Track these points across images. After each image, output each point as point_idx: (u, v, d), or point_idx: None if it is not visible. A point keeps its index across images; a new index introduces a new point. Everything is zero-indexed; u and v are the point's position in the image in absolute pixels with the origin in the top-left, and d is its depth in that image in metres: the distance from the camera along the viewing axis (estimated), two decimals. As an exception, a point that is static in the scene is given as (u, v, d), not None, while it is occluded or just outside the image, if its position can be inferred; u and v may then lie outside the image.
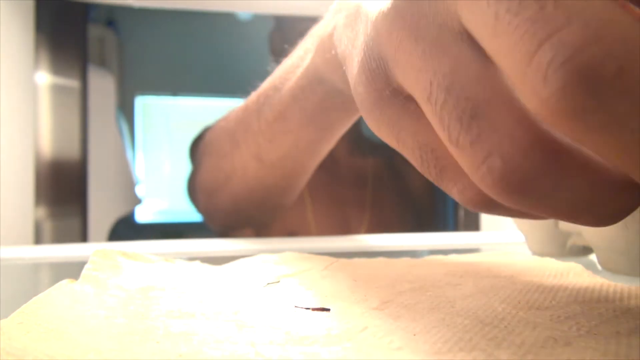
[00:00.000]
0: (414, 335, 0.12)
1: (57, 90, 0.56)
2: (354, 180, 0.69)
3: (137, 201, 0.98)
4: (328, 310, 0.14)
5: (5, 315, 0.13)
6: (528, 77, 0.10)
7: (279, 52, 0.78)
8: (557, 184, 0.11)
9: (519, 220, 0.29)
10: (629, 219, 0.20)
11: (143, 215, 1.96)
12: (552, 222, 0.26)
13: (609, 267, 0.22)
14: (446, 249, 0.33)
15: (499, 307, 0.14)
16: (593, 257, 0.26)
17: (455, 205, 0.76)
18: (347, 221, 0.65)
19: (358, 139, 0.73)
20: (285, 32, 0.70)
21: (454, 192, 0.14)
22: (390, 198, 0.70)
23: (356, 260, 0.23)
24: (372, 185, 0.69)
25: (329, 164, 0.67)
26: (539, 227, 0.27)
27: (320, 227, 0.62)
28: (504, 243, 0.36)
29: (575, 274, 0.19)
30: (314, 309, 0.15)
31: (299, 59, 0.35)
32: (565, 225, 0.26)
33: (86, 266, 0.18)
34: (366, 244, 0.36)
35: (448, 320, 0.13)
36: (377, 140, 0.88)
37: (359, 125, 0.73)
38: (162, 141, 2.10)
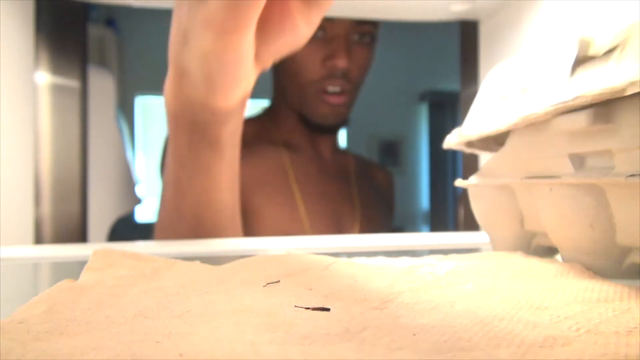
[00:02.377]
0: (414, 335, 0.12)
1: (56, 90, 0.56)
2: (339, 176, 0.70)
3: (137, 201, 0.98)
4: (328, 310, 0.14)
5: (6, 315, 0.13)
6: None
7: None
8: None
9: (484, 221, 0.28)
10: (595, 218, 0.20)
11: (143, 215, 1.96)
12: (518, 223, 0.26)
13: None
14: (446, 248, 0.33)
15: (499, 307, 0.14)
16: (558, 257, 0.26)
17: (455, 205, 0.77)
18: (339, 218, 0.66)
19: (335, 142, 0.75)
20: None
21: None
22: (372, 195, 0.72)
23: (356, 260, 0.23)
24: (355, 181, 0.71)
25: (316, 160, 0.68)
26: (504, 227, 0.27)
27: (313, 224, 0.62)
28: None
29: (575, 274, 0.19)
30: (313, 309, 0.15)
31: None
32: (530, 226, 0.25)
33: (86, 266, 0.18)
34: (366, 243, 0.36)
35: (448, 320, 0.13)
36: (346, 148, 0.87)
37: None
38: (162, 141, 2.10)
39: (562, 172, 0.21)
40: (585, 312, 0.14)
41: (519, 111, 0.23)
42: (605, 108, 0.18)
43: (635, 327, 0.12)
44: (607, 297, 0.15)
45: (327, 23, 0.63)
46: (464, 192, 0.69)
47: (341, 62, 0.63)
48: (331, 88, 0.64)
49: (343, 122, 0.71)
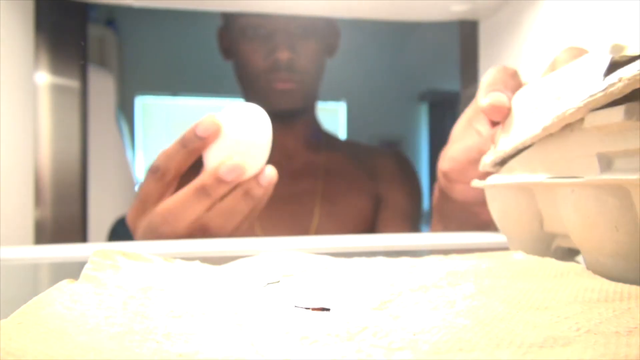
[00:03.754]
0: (414, 335, 0.12)
1: (56, 90, 0.56)
2: (306, 174, 0.71)
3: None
4: (328, 310, 0.14)
5: (5, 316, 0.13)
6: None
7: (226, 50, 0.80)
8: None
9: (502, 222, 0.28)
10: (619, 220, 0.20)
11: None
12: (537, 224, 0.26)
13: (597, 271, 0.21)
14: (446, 249, 0.33)
15: (499, 307, 0.14)
16: (579, 259, 0.25)
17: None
18: (296, 212, 0.66)
19: (316, 134, 0.75)
20: (233, 30, 0.72)
21: None
22: (346, 190, 0.72)
23: (356, 260, 0.23)
24: (324, 177, 0.71)
25: (282, 160, 0.69)
26: (523, 228, 0.27)
27: (265, 223, 0.63)
28: (504, 243, 0.36)
29: (575, 274, 0.19)
30: (313, 309, 0.15)
31: None
32: (550, 227, 0.25)
33: (86, 266, 0.18)
34: (367, 244, 0.36)
35: (448, 320, 0.13)
36: (341, 136, 0.89)
37: (317, 122, 0.76)
38: (161, 141, 2.10)
39: (585, 172, 0.21)
40: (585, 312, 0.14)
41: (552, 113, 0.22)
42: (638, 104, 0.18)
43: (635, 327, 0.12)
44: (607, 297, 0.15)
45: (267, 20, 0.66)
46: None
47: (282, 55, 0.66)
48: (279, 81, 0.68)
49: (300, 110, 0.72)
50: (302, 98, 0.71)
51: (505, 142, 0.27)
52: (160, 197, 0.39)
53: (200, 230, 0.39)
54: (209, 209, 0.38)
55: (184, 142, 0.38)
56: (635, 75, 0.17)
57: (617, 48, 0.19)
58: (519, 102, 0.28)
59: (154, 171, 0.39)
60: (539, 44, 0.52)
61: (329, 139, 0.79)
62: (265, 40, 0.67)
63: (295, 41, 0.68)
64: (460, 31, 0.66)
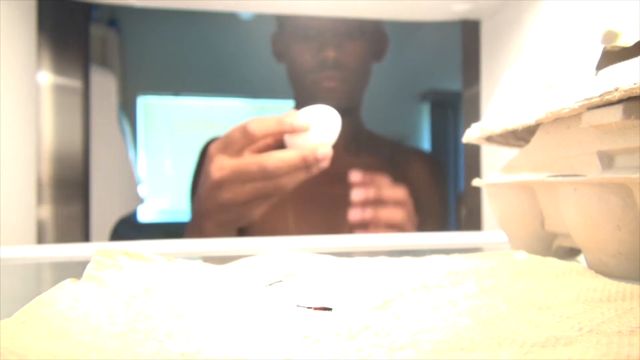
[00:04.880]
0: (416, 334, 0.12)
1: (59, 90, 0.56)
2: (344, 177, 0.71)
3: (139, 201, 0.98)
4: (329, 309, 0.14)
5: (8, 315, 0.13)
6: None
7: (279, 53, 0.83)
8: None
9: (503, 221, 0.28)
10: (622, 219, 0.19)
11: (145, 215, 1.96)
12: (538, 223, 0.26)
13: (599, 270, 0.21)
14: (448, 248, 0.33)
15: (501, 307, 0.14)
16: (580, 259, 0.25)
17: (458, 205, 0.77)
18: (331, 215, 0.67)
19: (358, 134, 0.77)
20: (285, 33, 0.75)
21: None
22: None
23: (358, 259, 0.23)
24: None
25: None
26: (524, 228, 0.26)
27: (300, 223, 0.64)
28: (506, 243, 0.36)
29: (577, 273, 0.19)
30: (315, 308, 0.15)
31: None
32: (551, 226, 0.25)
33: (88, 266, 0.18)
34: (368, 243, 0.36)
35: (450, 319, 0.13)
36: (380, 134, 0.92)
37: (360, 124, 0.76)
38: (164, 141, 2.10)
39: (587, 171, 0.21)
40: (587, 311, 0.14)
41: (546, 106, 0.22)
42: (636, 103, 0.18)
43: (638, 327, 0.12)
44: (609, 297, 0.15)
45: (316, 21, 0.68)
46: (464, 192, 0.69)
47: (330, 53, 0.70)
48: (325, 79, 0.72)
49: (344, 109, 0.73)
50: (346, 97, 0.74)
51: (493, 121, 0.27)
52: (241, 148, 0.43)
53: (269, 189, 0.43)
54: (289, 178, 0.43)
55: (279, 123, 0.44)
56: (632, 88, 0.17)
57: (610, 36, 0.19)
58: (506, 83, 0.28)
59: (244, 127, 0.44)
60: (541, 44, 0.52)
61: (371, 140, 0.80)
62: (315, 40, 0.71)
63: (342, 42, 0.72)
64: (462, 31, 0.66)
